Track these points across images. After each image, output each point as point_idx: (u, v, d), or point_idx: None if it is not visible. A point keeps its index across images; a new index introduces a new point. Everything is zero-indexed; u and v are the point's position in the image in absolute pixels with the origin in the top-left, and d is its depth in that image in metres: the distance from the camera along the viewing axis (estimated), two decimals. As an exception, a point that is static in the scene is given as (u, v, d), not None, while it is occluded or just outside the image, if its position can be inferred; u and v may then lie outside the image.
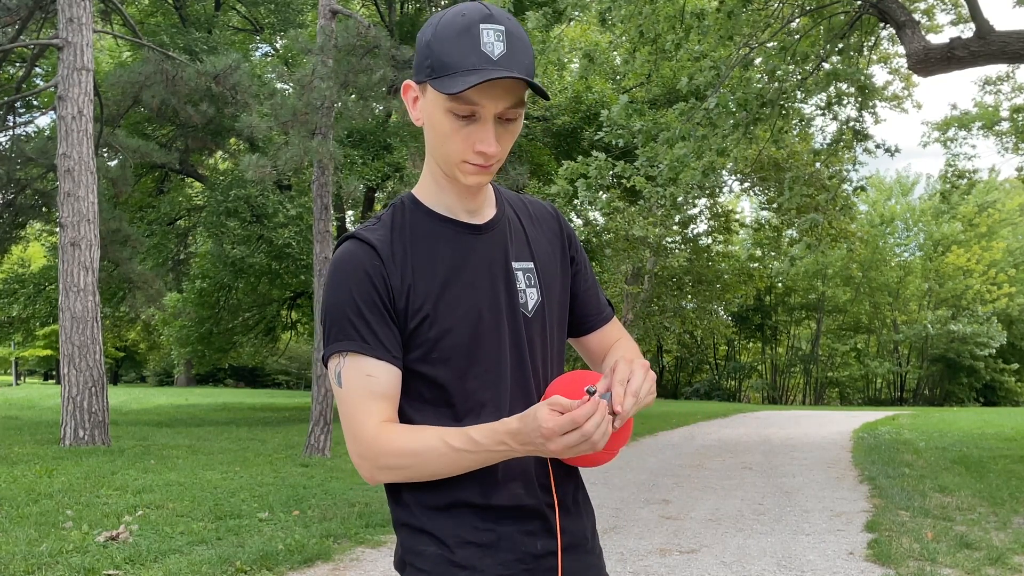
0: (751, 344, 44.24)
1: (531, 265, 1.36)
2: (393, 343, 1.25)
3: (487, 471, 1.25)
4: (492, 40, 1.17)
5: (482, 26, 1.17)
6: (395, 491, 1.32)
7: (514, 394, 1.30)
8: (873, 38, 10.60)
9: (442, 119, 1.21)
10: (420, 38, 1.23)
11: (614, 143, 10.09)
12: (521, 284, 1.33)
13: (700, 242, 24.68)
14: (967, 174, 14.73)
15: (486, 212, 1.35)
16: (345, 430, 1.27)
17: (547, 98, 1.19)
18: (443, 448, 1.20)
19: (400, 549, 1.33)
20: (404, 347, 1.27)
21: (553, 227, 1.44)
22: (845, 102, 10.63)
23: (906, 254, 38.85)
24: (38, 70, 16.71)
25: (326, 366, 1.29)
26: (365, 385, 1.24)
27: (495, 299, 1.30)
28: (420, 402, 1.29)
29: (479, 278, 1.29)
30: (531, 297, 1.34)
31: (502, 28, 1.18)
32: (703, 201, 21.14)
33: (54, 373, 47.53)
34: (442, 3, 18.50)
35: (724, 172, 16.26)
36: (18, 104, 15.26)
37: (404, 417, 1.28)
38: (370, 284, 1.24)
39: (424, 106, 1.24)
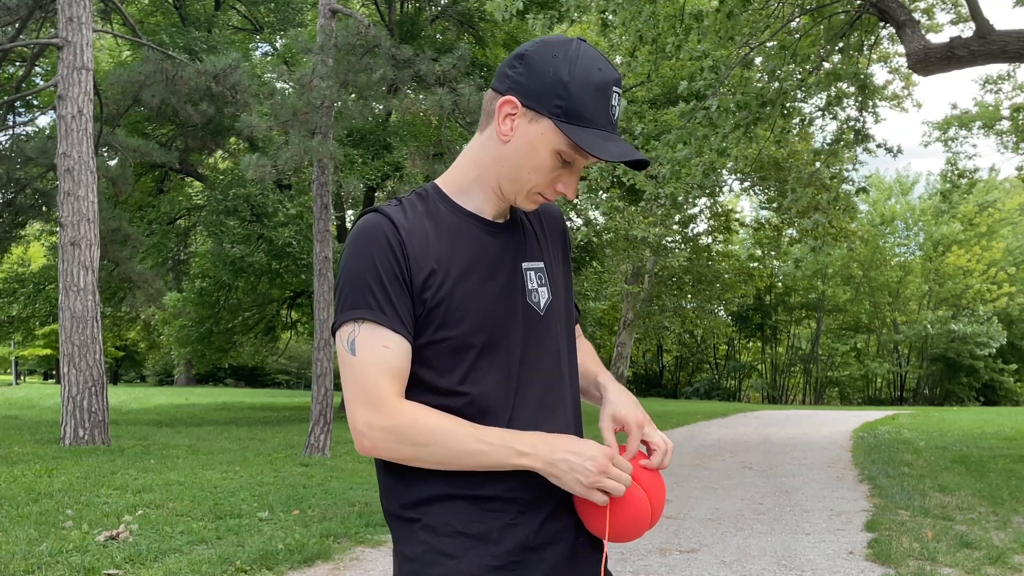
0: (751, 344, 44.24)
1: (541, 264, 1.39)
2: (408, 319, 1.26)
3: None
4: (615, 104, 1.27)
5: (613, 89, 1.26)
6: (388, 481, 1.32)
7: (523, 391, 1.31)
8: (873, 37, 10.58)
9: (544, 155, 1.26)
10: (548, 69, 1.24)
11: None
12: (533, 283, 1.36)
13: (700, 242, 24.66)
14: (967, 173, 14.73)
15: (506, 213, 1.39)
16: (355, 398, 1.25)
17: (647, 166, 1.31)
18: (468, 438, 1.23)
19: (393, 538, 1.34)
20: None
21: (559, 226, 1.50)
22: (845, 102, 10.62)
23: (906, 254, 38.85)
24: (38, 69, 16.71)
25: (335, 334, 1.28)
26: (382, 357, 1.24)
27: (510, 297, 1.32)
28: (411, 385, 1.28)
29: (496, 275, 1.32)
30: (542, 296, 1.37)
31: (620, 92, 1.28)
32: (703, 200, 21.13)
33: (54, 373, 47.53)
34: (441, 2, 18.50)
35: (724, 172, 16.24)
36: (18, 104, 15.27)
37: None
38: (392, 255, 1.25)
39: (525, 131, 1.26)
